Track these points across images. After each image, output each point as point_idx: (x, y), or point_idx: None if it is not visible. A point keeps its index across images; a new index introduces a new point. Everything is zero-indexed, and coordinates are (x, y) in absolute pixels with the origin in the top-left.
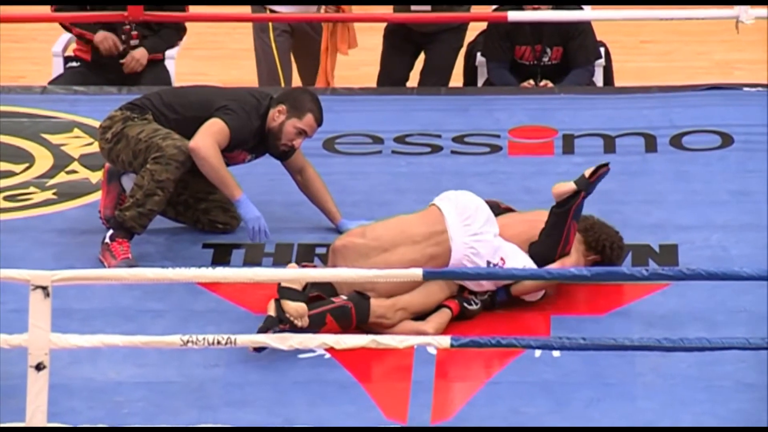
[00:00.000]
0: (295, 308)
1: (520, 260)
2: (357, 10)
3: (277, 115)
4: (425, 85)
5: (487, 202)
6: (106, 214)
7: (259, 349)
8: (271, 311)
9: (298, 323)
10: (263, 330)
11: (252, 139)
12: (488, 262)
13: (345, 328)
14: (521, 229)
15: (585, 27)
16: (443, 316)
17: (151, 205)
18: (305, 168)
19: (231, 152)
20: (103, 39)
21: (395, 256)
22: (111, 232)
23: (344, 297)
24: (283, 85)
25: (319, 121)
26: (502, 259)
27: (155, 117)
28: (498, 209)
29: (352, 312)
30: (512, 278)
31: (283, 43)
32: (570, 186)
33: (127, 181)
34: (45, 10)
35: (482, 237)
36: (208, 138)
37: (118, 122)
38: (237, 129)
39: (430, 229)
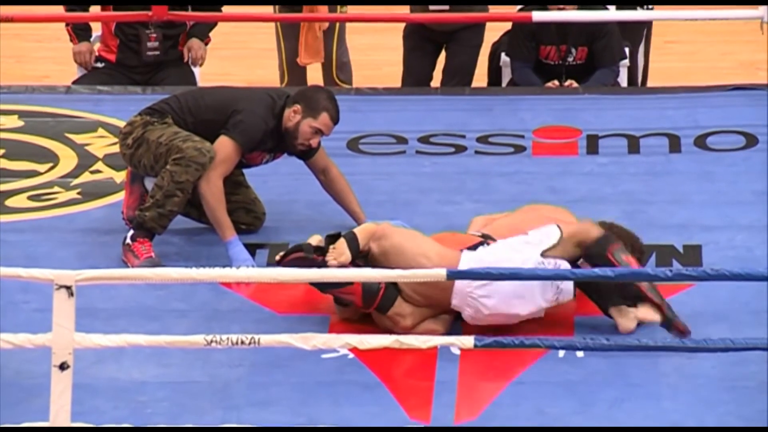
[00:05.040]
0: (342, 250)
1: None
2: (376, 10)
3: (292, 115)
4: (447, 85)
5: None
6: (129, 214)
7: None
8: (314, 241)
9: (333, 262)
10: (296, 249)
11: (269, 139)
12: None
13: (365, 305)
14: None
15: (610, 27)
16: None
17: (170, 206)
18: (329, 168)
19: (249, 153)
20: (79, 52)
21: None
22: (132, 232)
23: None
24: (284, 56)
25: (335, 120)
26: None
27: (175, 121)
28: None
29: (381, 292)
30: (536, 279)
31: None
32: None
33: (150, 182)
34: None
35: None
36: (214, 172)
37: (138, 127)
38: (248, 140)
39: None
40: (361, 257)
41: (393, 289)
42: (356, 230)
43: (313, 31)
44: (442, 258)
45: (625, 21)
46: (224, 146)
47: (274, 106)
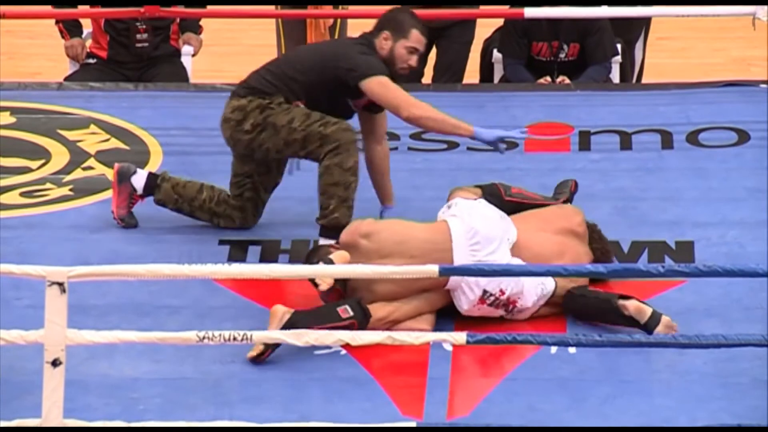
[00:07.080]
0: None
1: (526, 294)
2: (369, 7)
3: (384, 43)
4: (438, 81)
5: (492, 187)
6: (119, 213)
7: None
8: (324, 286)
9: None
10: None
11: None
12: (485, 291)
13: (360, 328)
14: (548, 248)
15: (602, 23)
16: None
17: (351, 193)
18: (382, 142)
19: (360, 98)
20: (71, 46)
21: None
22: (324, 241)
23: (348, 307)
24: (284, 51)
25: (425, 35)
26: (501, 291)
27: (285, 97)
28: (504, 201)
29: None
30: (528, 275)
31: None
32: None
33: (138, 181)
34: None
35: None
36: (406, 102)
37: (254, 111)
38: (383, 69)
39: (433, 247)
40: (340, 283)
41: (363, 317)
42: (332, 257)
43: (319, 30)
44: (432, 229)
45: (618, 17)
46: (382, 84)
47: (364, 43)
